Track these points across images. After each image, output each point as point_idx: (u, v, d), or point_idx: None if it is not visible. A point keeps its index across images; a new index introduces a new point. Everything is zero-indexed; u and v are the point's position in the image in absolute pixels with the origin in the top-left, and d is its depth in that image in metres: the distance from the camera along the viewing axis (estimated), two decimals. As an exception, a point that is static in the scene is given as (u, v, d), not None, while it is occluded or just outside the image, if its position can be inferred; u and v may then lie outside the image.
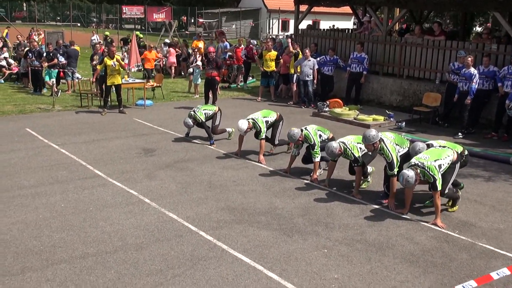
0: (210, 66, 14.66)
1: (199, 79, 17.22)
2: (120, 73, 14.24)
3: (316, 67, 15.53)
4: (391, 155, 7.63)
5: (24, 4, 64.47)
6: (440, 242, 6.64)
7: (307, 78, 15.45)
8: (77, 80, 17.29)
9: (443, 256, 6.27)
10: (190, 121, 10.93)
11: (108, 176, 8.94)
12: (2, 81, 19.45)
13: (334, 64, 15.89)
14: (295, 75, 15.99)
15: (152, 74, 19.28)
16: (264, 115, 10.10)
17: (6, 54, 21.58)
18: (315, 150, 8.80)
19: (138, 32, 27.13)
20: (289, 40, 17.03)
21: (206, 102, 14.23)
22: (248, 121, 9.78)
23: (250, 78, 20.38)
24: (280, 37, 28.04)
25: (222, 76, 17.28)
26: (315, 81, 15.62)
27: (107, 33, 30.42)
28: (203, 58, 16.89)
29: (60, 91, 16.81)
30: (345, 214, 7.49)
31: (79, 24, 53.26)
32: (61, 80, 17.56)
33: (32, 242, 6.42)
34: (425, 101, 13.91)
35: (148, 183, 8.65)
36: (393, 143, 7.87)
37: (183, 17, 54.44)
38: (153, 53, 18.93)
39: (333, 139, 8.98)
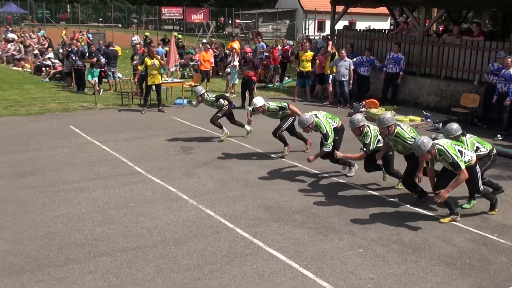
0: (247, 66, 14.72)
1: (236, 79, 17.30)
2: (160, 73, 14.43)
3: (352, 67, 15.41)
4: (405, 139, 7.45)
5: (68, 6, 65.99)
6: (478, 245, 6.48)
7: (343, 79, 15.35)
8: (118, 79, 17.60)
9: (481, 259, 6.12)
10: (199, 97, 11.12)
11: (147, 172, 9.07)
12: (47, 80, 19.97)
13: (371, 65, 15.72)
14: (331, 76, 15.89)
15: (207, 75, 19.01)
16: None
17: (51, 54, 22.18)
18: (328, 141, 8.55)
19: (176, 33, 27.43)
20: (329, 41, 16.91)
21: (243, 102, 14.30)
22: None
23: (286, 78, 20.34)
24: (316, 37, 27.90)
25: (259, 76, 17.31)
26: (351, 81, 15.50)
27: (146, 33, 30.82)
28: (240, 58, 16.97)
29: (102, 90, 17.15)
30: (381, 215, 7.40)
31: (120, 25, 54.21)
32: (103, 80, 17.91)
33: (75, 235, 6.57)
34: (463, 102, 13.61)
35: (186, 180, 8.74)
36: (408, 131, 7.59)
37: (220, 18, 54.77)
38: (209, 54, 18.88)
39: (342, 127, 8.90)
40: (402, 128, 7.54)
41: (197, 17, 46.42)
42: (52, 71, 20.41)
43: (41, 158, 9.85)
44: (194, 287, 5.41)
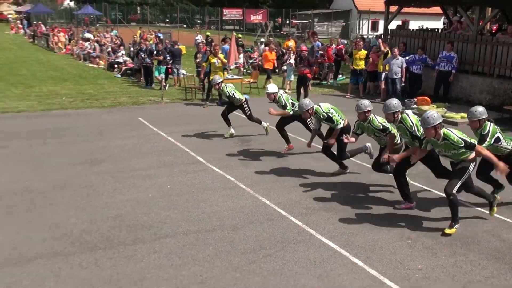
0: (302, 64, 14.64)
1: (292, 76, 17.25)
2: (222, 70, 14.60)
3: (404, 65, 15.04)
4: (411, 125, 6.76)
5: (138, 8, 67.77)
6: (528, 241, 6.22)
7: (395, 76, 15.01)
8: (182, 75, 17.94)
9: (531, 254, 5.87)
10: (216, 85, 11.04)
11: (208, 162, 9.22)
12: (119, 76, 20.61)
13: (423, 63, 15.28)
14: (383, 73, 15.58)
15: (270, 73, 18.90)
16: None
17: (123, 52, 22.85)
18: (334, 123, 8.23)
19: (236, 33, 27.61)
20: (380, 40, 16.57)
21: (298, 97, 14.23)
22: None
23: (340, 75, 20.09)
24: (370, 37, 27.35)
25: (314, 73, 17.18)
26: (403, 79, 15.13)
27: (208, 33, 31.20)
28: (296, 56, 16.90)
29: (167, 85, 17.54)
30: (431, 208, 7.21)
31: (185, 26, 55.09)
32: (168, 76, 18.29)
33: (143, 217, 6.78)
34: (516, 100, 13.01)
35: (244, 170, 8.82)
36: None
37: (278, 18, 54.63)
38: (273, 53, 18.92)
39: (348, 125, 8.42)
40: (409, 117, 6.86)
41: (256, 18, 46.56)
42: (124, 68, 21.03)
43: (113, 147, 10.20)
44: (249, 269, 5.47)
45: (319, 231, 6.41)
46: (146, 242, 6.07)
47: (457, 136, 6.14)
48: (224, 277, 5.33)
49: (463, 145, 6.12)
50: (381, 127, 7.36)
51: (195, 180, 8.28)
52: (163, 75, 17.32)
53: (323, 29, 46.21)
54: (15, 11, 67.50)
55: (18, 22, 52.81)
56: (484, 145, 6.40)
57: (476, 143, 6.20)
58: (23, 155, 9.52)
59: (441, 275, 5.37)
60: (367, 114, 7.33)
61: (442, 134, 6.17)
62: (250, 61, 21.91)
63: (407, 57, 15.45)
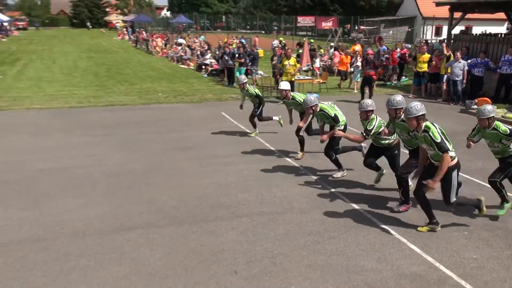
0: (368, 66, 14.25)
1: (359, 77, 16.83)
2: (294, 71, 14.52)
3: (466, 68, 14.19)
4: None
5: (223, 17, 68.98)
6: None
7: (456, 78, 14.21)
8: (259, 76, 18.05)
9: None
10: (241, 85, 10.52)
11: (280, 152, 9.24)
12: (206, 76, 21.09)
13: (485, 66, 14.34)
14: (445, 75, 14.81)
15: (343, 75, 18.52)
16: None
17: (210, 55, 23.35)
18: (340, 122, 7.68)
19: (308, 38, 27.33)
20: (443, 44, 15.75)
21: (362, 97, 13.88)
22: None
23: (403, 77, 19.34)
24: (433, 41, 26.05)
25: (378, 75, 16.66)
26: (464, 81, 14.30)
27: (281, 38, 31.16)
28: (362, 59, 16.44)
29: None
30: (487, 202, 6.77)
31: (263, 32, 55.37)
32: (248, 76, 18.46)
33: (223, 198, 6.93)
34: None
35: (312, 161, 8.74)
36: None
37: (347, 25, 53.45)
38: (348, 58, 18.62)
39: (345, 127, 7.87)
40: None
41: (327, 24, 45.82)
42: (210, 69, 21.48)
43: (199, 136, 10.48)
44: (315, 249, 5.44)
45: (379, 218, 6.25)
46: (225, 219, 6.21)
47: (438, 134, 5.45)
48: (292, 253, 5.34)
49: (436, 145, 5.43)
50: (377, 128, 6.70)
51: (268, 167, 8.32)
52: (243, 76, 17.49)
53: (389, 34, 44.59)
54: (122, 20, 70.96)
55: (124, 29, 55.43)
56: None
57: (449, 149, 5.44)
58: (126, 141, 10.04)
59: (496, 266, 5.06)
60: (368, 114, 6.75)
61: (423, 126, 5.55)
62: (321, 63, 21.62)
63: (469, 60, 14.58)
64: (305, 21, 50.31)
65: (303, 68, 18.36)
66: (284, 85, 9.18)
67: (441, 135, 5.49)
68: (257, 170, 8.17)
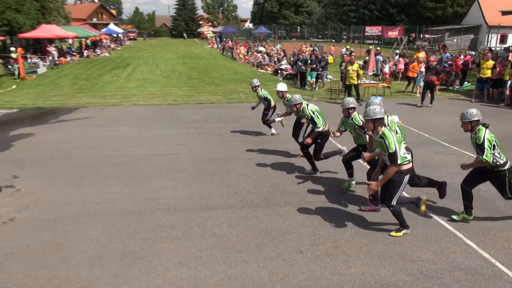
0: (430, 72, 13.42)
1: (421, 82, 15.87)
2: (358, 76, 14.09)
3: (532, 74, 12.86)
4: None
5: (298, 27, 68.46)
6: None
7: (521, 84, 12.94)
8: (329, 80, 17.71)
9: None
10: (253, 88, 9.78)
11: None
12: (281, 79, 21.08)
13: (551, 73, 12.90)
14: (509, 81, 13.53)
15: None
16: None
17: (285, 61, 23.30)
18: (317, 124, 6.99)
19: (374, 46, 26.28)
20: (510, 52, 14.40)
21: (422, 100, 13.16)
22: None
23: (466, 82, 17.95)
24: (497, 49, 23.88)
25: (441, 80, 15.62)
26: (529, 87, 12.98)
27: (347, 46, 30.32)
28: (426, 66, 15.49)
29: (317, 87, 17.47)
30: (548, 205, 6.12)
31: (333, 40, 54.16)
32: (318, 80, 18.21)
33: (292, 187, 6.90)
34: None
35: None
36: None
37: (412, 33, 50.67)
38: (420, 65, 17.70)
39: (328, 132, 7.08)
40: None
41: (393, 33, 43.74)
42: (285, 73, 21.46)
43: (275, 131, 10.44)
44: (374, 237, 5.26)
45: (436, 213, 5.88)
46: (293, 205, 6.18)
47: (392, 142, 4.81)
48: (353, 239, 5.20)
49: (388, 153, 4.82)
50: (361, 123, 6.14)
51: (330, 162, 8.11)
52: (314, 79, 17.29)
53: (453, 42, 41.61)
54: (212, 31, 73.14)
55: (213, 39, 57.05)
56: (484, 156, 5.01)
57: (398, 161, 4.82)
58: (212, 134, 10.33)
59: (555, 267, 4.56)
60: (350, 111, 6.20)
61: (380, 132, 4.95)
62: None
63: (535, 67, 13.20)
64: (372, 30, 48.48)
65: (369, 73, 17.70)
66: (281, 86, 8.58)
67: (394, 144, 4.82)
68: (321, 163, 7.92)
